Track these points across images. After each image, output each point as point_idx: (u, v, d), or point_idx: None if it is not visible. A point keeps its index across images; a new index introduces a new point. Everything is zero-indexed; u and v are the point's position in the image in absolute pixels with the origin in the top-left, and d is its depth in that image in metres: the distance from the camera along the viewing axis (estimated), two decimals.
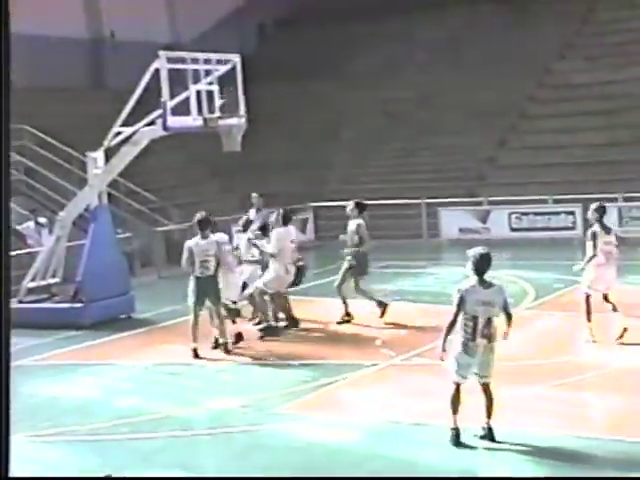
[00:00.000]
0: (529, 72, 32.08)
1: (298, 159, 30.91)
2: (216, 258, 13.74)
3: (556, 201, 25.56)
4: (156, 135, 16.16)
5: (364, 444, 9.65)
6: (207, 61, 16.06)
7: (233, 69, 16.26)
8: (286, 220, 15.07)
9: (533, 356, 12.62)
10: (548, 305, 15.93)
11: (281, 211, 15.23)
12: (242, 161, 25.80)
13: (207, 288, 13.72)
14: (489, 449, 9.13)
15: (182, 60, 15.87)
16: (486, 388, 9.24)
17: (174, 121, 15.67)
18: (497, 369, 12.01)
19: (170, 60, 15.57)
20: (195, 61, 15.91)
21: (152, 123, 15.95)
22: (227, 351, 13.75)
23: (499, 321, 9.20)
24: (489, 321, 9.01)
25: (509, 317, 9.27)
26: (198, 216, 13.95)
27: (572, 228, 24.80)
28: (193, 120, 15.77)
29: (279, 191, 28.78)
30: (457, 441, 9.16)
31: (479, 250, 9.09)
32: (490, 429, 9.20)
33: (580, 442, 9.19)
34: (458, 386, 9.25)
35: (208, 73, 15.99)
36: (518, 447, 9.17)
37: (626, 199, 24.42)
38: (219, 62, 16.24)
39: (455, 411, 9.24)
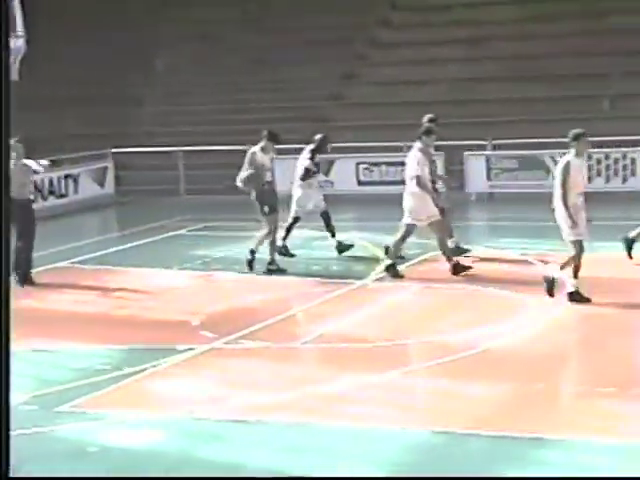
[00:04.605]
0: None
1: (95, 93, 30.38)
2: None
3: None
4: None
5: (175, 447, 9.63)
6: None
7: None
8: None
9: (386, 336, 12.75)
10: (404, 274, 16.18)
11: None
12: (22, 94, 25.10)
13: None
14: (328, 449, 9.26)
15: None
16: None
17: None
18: (343, 353, 12.23)
19: None
20: None
21: None
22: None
23: None
24: None
25: None
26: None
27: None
28: None
29: (71, 133, 28.29)
30: None
31: None
32: None
33: (436, 438, 9.41)
34: None
35: None
36: (363, 445, 9.33)
37: (495, 147, 24.92)
38: None
39: None
